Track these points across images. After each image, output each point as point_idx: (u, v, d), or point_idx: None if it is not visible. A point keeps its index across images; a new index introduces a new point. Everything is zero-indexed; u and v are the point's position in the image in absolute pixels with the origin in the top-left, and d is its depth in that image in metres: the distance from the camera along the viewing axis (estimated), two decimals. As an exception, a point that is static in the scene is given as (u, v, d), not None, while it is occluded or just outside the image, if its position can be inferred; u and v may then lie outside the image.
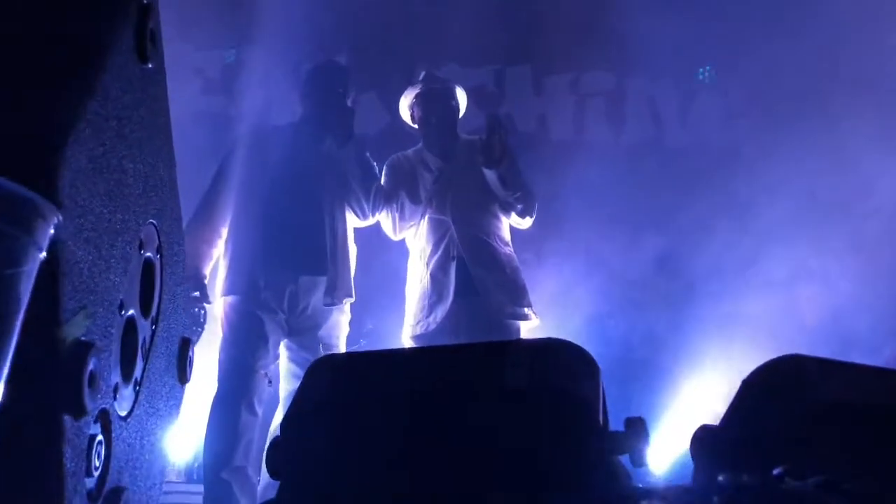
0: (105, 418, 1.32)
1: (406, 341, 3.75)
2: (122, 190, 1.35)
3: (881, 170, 5.11)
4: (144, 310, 1.52)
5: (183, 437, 4.52)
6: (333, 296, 3.50)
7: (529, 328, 3.74)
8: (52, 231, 0.90)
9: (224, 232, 3.62)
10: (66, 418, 1.14)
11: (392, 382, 1.63)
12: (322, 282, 3.52)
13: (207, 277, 3.59)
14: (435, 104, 3.92)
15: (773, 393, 1.59)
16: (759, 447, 1.49)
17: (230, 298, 3.52)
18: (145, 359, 1.53)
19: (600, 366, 1.61)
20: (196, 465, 4.54)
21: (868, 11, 5.41)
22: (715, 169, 5.82)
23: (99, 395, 1.24)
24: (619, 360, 5.47)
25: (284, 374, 3.58)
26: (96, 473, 1.28)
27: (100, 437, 1.29)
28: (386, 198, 3.74)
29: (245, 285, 3.49)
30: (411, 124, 4.05)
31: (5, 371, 0.85)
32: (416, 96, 3.95)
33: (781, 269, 5.37)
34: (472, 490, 1.49)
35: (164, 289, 1.62)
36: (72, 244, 1.12)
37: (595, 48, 6.02)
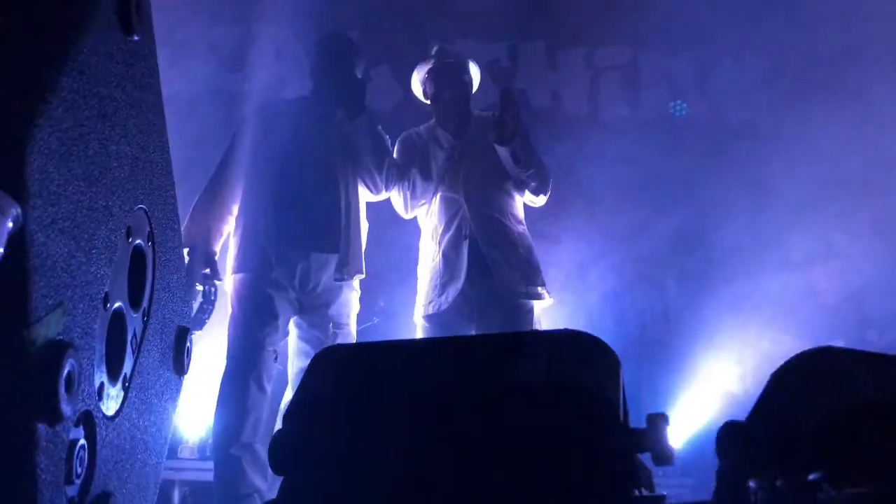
0: (88, 421, 1.23)
1: (418, 321, 3.70)
2: (104, 174, 1.24)
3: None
4: (134, 302, 1.42)
5: (196, 415, 4.52)
6: (343, 272, 3.46)
7: (543, 307, 3.68)
8: (9, 225, 0.80)
9: (234, 208, 3.58)
10: (40, 426, 1.05)
11: (401, 375, 1.55)
12: (334, 259, 3.47)
13: (218, 254, 3.54)
14: (447, 80, 3.82)
15: (805, 389, 1.49)
16: (791, 448, 1.39)
17: (241, 275, 3.49)
18: (136, 354, 1.43)
19: (615, 347, 1.53)
20: (208, 441, 4.52)
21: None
22: (733, 144, 5.72)
23: (79, 398, 1.14)
24: (634, 339, 5.43)
25: (294, 351, 3.55)
26: (78, 481, 1.19)
27: (82, 442, 1.19)
28: (398, 173, 3.65)
29: (256, 262, 3.45)
30: (423, 100, 3.96)
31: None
32: (429, 72, 3.86)
33: (802, 247, 5.26)
34: (483, 490, 1.40)
35: (157, 278, 1.52)
36: (42, 236, 1.01)
37: (609, 22, 5.90)
